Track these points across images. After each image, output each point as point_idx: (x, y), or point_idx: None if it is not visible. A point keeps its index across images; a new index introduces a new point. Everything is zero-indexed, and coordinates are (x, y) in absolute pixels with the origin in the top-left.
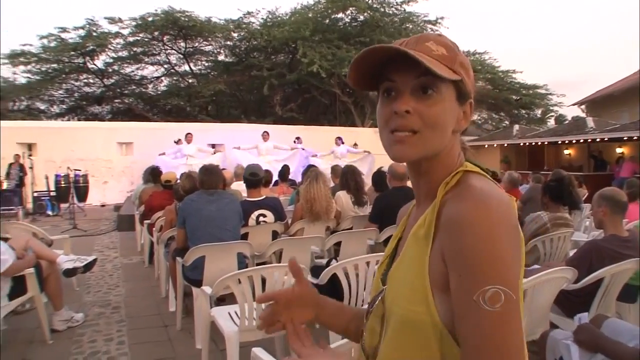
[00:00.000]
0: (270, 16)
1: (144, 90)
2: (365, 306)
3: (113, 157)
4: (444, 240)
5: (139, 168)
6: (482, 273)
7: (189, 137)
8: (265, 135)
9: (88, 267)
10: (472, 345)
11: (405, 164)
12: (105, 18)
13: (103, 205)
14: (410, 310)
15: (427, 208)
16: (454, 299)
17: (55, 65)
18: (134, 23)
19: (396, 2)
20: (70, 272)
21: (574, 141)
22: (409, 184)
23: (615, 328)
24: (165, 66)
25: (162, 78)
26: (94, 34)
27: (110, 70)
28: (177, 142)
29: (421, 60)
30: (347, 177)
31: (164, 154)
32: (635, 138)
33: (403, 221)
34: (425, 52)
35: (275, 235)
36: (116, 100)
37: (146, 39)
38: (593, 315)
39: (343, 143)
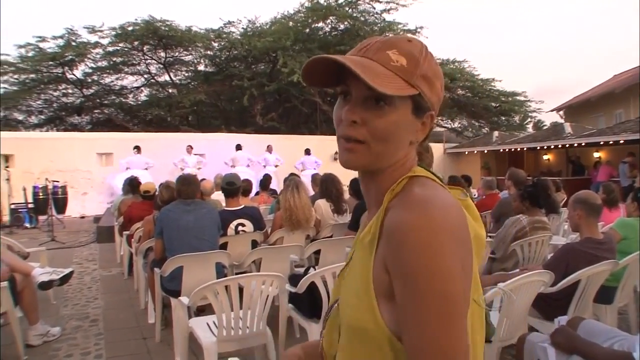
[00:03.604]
0: (250, 26)
1: (124, 100)
2: None
3: (92, 168)
4: (386, 249)
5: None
6: (423, 283)
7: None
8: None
9: (64, 279)
10: (415, 354)
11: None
12: (85, 27)
13: (82, 217)
14: (356, 318)
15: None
16: (398, 307)
17: (33, 75)
18: (113, 33)
19: (376, 11)
20: (45, 285)
21: (552, 146)
22: None
23: (590, 329)
24: (145, 76)
25: (142, 88)
26: (73, 43)
27: (89, 80)
28: (136, 149)
29: (366, 80)
30: (328, 185)
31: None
32: (611, 143)
33: (360, 228)
34: (383, 62)
35: (254, 244)
36: (96, 111)
37: (126, 49)
38: (570, 317)
39: (309, 154)
